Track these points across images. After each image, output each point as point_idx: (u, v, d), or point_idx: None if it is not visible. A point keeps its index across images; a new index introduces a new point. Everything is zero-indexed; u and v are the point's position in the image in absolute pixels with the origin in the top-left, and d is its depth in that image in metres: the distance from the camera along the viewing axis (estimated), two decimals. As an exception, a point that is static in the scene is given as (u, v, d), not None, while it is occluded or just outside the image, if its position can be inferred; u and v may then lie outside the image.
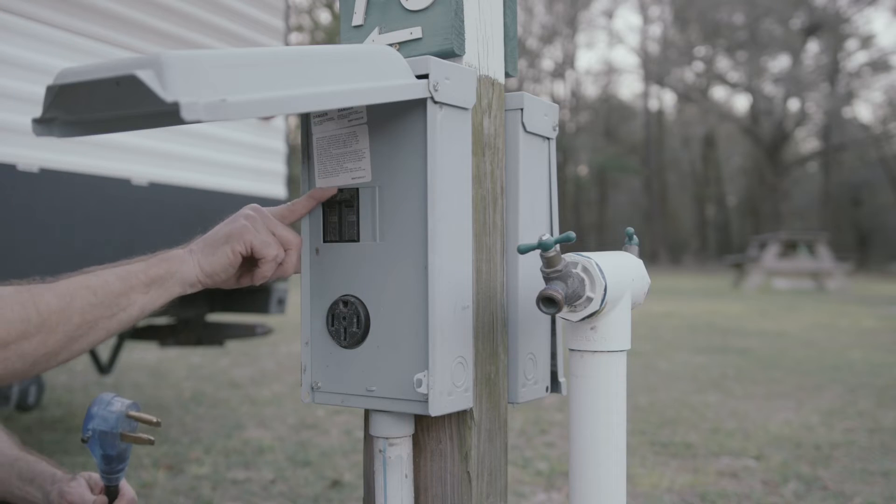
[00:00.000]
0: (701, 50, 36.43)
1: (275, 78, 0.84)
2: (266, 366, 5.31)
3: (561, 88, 40.60)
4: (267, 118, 3.18)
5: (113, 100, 0.84)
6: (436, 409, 0.97)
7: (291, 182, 3.53)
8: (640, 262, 1.13)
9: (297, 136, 9.61)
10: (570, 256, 1.00)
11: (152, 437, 1.12)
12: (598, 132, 40.75)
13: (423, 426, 1.07)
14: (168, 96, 0.72)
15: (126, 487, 1.14)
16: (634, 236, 1.17)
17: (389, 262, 1.02)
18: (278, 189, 3.32)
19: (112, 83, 0.77)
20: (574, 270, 0.98)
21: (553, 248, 0.95)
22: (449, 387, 0.99)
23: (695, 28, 35.68)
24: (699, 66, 37.18)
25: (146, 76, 0.73)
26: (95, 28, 2.48)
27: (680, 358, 5.86)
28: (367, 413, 1.09)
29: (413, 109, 0.99)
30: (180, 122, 0.74)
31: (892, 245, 33.21)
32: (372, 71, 0.93)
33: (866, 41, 32.79)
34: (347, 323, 1.05)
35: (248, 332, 3.37)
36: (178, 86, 0.73)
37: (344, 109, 1.04)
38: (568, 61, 40.66)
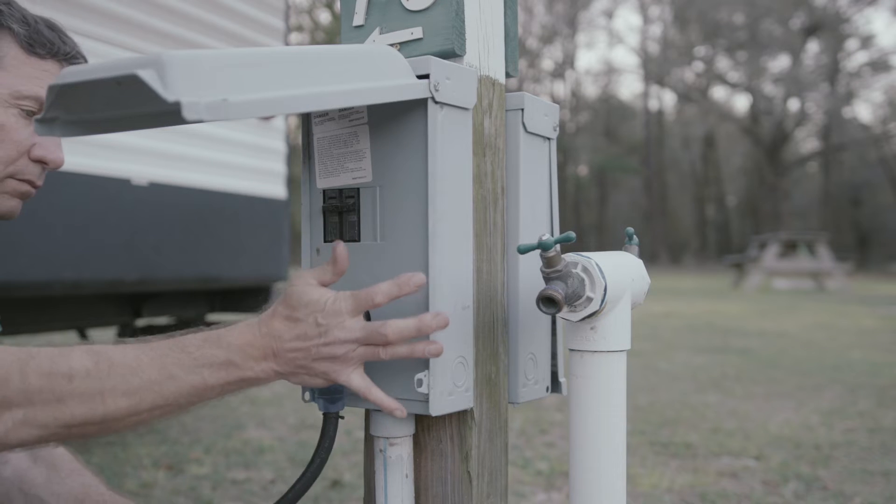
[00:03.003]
0: (701, 50, 36.45)
1: (276, 78, 0.84)
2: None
3: (561, 88, 40.63)
4: (267, 118, 3.18)
5: (114, 99, 0.84)
6: (436, 409, 0.97)
7: (291, 182, 3.54)
8: (640, 262, 1.13)
9: (297, 136, 9.62)
10: (570, 256, 1.00)
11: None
12: (598, 132, 40.77)
13: (424, 426, 1.07)
14: (169, 96, 0.73)
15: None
16: (634, 236, 1.17)
17: (390, 262, 1.02)
18: (278, 189, 3.32)
19: (113, 83, 0.77)
20: (574, 270, 0.98)
21: (553, 248, 0.95)
22: (449, 387, 0.99)
23: (695, 28, 35.69)
24: (699, 66, 37.20)
25: (147, 76, 0.73)
26: (95, 28, 2.48)
27: (680, 358, 5.86)
28: (367, 413, 1.09)
29: (414, 109, 0.99)
30: (182, 121, 0.75)
31: (892, 245, 33.22)
32: (372, 71, 0.93)
33: (866, 41, 32.81)
34: (348, 323, 1.05)
35: (248, 332, 3.37)
36: (180, 85, 0.73)
37: (345, 109, 1.05)
38: (568, 61, 40.68)
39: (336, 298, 0.92)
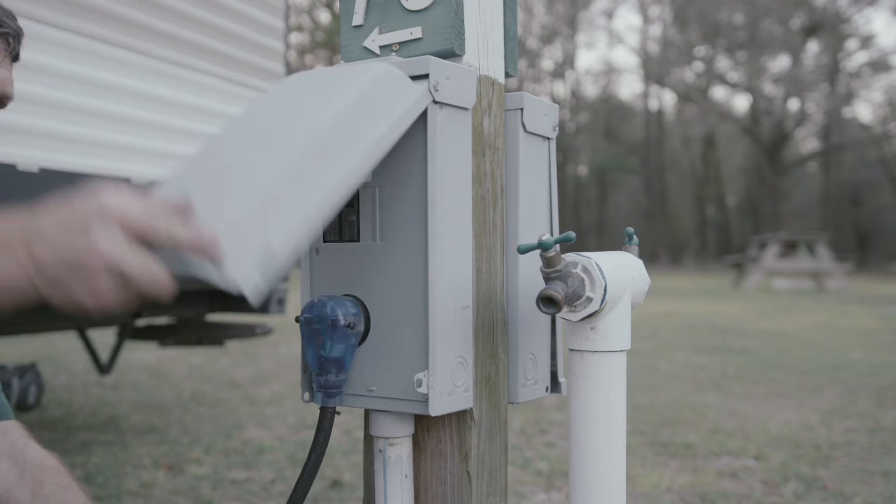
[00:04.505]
0: (701, 50, 36.42)
1: (303, 192, 0.82)
2: (266, 366, 5.31)
3: (561, 88, 40.60)
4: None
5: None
6: (436, 409, 0.97)
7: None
8: (640, 262, 1.13)
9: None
10: (569, 256, 1.00)
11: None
12: (598, 132, 40.75)
13: (424, 426, 1.07)
14: (228, 285, 0.74)
15: None
16: (634, 236, 1.17)
17: (390, 262, 1.02)
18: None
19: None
20: (574, 270, 0.98)
21: (553, 248, 0.95)
22: (449, 387, 0.99)
23: (695, 28, 35.66)
24: (699, 66, 37.17)
25: (209, 275, 0.73)
26: (95, 28, 2.48)
27: (680, 358, 5.86)
28: (367, 413, 1.09)
29: (413, 109, 0.99)
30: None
31: (892, 245, 33.21)
32: (381, 108, 0.92)
33: (866, 41, 32.77)
34: (347, 323, 1.04)
35: (248, 331, 3.37)
36: (232, 272, 0.73)
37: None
38: (568, 61, 40.66)
39: (124, 206, 0.70)
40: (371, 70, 0.94)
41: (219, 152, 0.89)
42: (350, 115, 0.89)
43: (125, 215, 0.70)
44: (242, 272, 0.74)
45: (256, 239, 0.76)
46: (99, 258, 0.68)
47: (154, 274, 0.70)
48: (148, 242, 0.71)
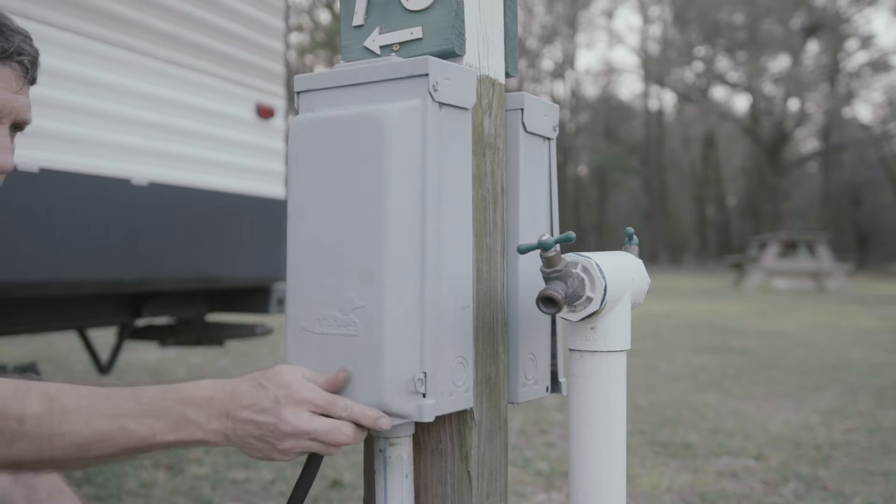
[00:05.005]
0: (701, 50, 36.42)
1: (419, 316, 0.96)
2: (266, 366, 5.31)
3: (561, 88, 40.62)
4: (268, 116, 3.18)
5: None
6: (436, 409, 0.97)
7: (291, 182, 3.52)
8: (640, 262, 1.13)
9: (297, 136, 9.59)
10: (569, 256, 1.00)
11: None
12: (598, 132, 40.78)
13: (424, 426, 1.07)
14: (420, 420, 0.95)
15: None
16: (634, 236, 1.17)
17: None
18: (278, 189, 3.32)
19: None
20: (574, 270, 0.98)
21: (553, 248, 0.95)
22: (449, 387, 0.99)
23: (695, 28, 35.66)
24: (699, 66, 37.17)
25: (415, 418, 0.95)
26: (95, 28, 2.48)
27: (680, 358, 5.86)
28: (367, 413, 1.09)
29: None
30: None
31: (892, 245, 33.22)
32: (411, 167, 0.97)
33: (866, 41, 32.77)
34: (348, 323, 1.05)
35: (248, 332, 3.37)
36: (407, 415, 0.95)
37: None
38: (568, 61, 40.67)
39: (306, 388, 0.93)
40: (382, 130, 0.95)
41: (324, 298, 1.00)
42: (403, 206, 0.96)
43: (311, 400, 0.92)
44: (415, 409, 0.94)
45: (410, 384, 0.94)
46: (291, 429, 0.90)
47: (337, 432, 0.92)
48: (329, 415, 0.93)
